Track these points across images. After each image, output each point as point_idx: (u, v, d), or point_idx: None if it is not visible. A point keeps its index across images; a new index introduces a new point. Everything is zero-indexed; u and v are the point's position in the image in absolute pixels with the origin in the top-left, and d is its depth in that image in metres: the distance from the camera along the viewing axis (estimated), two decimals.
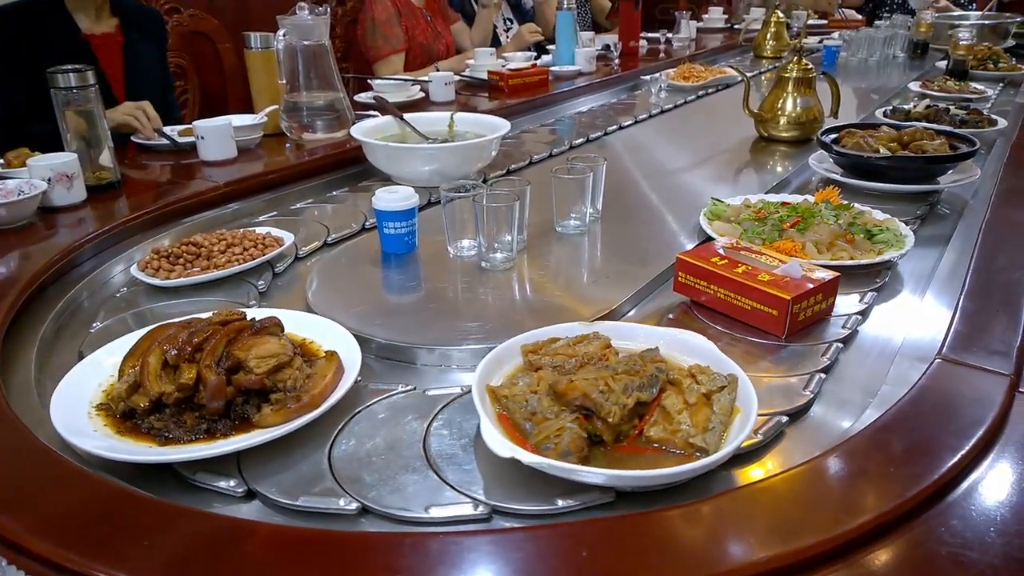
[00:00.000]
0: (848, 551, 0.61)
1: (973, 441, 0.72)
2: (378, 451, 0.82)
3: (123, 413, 0.84)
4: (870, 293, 1.17)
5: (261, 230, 1.38)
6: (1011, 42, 3.70)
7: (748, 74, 2.24)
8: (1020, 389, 0.82)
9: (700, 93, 2.86)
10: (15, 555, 0.63)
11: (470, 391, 0.89)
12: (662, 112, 2.55)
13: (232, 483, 0.76)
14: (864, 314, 1.12)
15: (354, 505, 0.73)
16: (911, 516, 0.65)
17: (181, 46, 2.82)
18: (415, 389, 0.93)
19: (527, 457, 0.73)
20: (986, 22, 3.79)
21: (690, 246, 1.34)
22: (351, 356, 0.93)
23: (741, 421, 0.80)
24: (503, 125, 1.79)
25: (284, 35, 1.90)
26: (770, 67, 3.47)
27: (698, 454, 0.77)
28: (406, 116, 1.90)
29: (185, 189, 1.59)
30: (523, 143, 2.14)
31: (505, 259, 1.26)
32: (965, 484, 0.68)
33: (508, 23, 3.96)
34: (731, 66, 2.83)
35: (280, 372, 0.86)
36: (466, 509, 0.73)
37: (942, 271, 1.26)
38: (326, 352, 0.93)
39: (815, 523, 0.63)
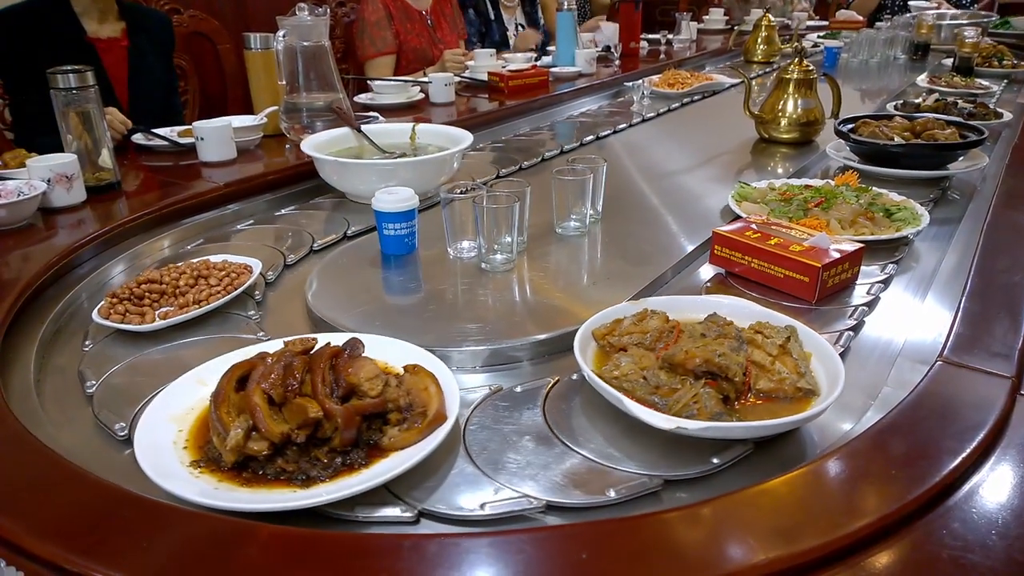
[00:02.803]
0: (849, 554, 0.61)
1: (974, 444, 0.72)
2: (517, 450, 0.82)
3: (234, 464, 0.78)
4: (891, 265, 1.27)
5: (215, 258, 1.26)
6: (988, 39, 3.81)
7: (738, 79, 2.24)
8: (1022, 392, 0.82)
9: (685, 100, 2.76)
10: (14, 556, 0.62)
11: (559, 382, 0.94)
12: (643, 121, 2.46)
13: (398, 510, 0.74)
14: (886, 283, 1.21)
15: (538, 503, 0.74)
16: (912, 519, 0.64)
17: (181, 47, 2.82)
18: (503, 388, 0.94)
19: (694, 425, 0.77)
20: (964, 21, 3.95)
21: (692, 247, 1.34)
22: (434, 367, 0.90)
23: (823, 361, 0.89)
24: (465, 137, 1.70)
25: (284, 36, 1.90)
26: (760, 72, 3.43)
27: (803, 395, 0.85)
28: (365, 128, 1.80)
29: (185, 190, 1.59)
30: (523, 144, 2.14)
31: (505, 260, 1.26)
32: (966, 487, 0.68)
33: (521, 28, 3.95)
34: (731, 67, 2.81)
35: (386, 392, 0.83)
36: (642, 484, 0.76)
37: (943, 272, 1.26)
38: (406, 367, 0.90)
39: (816, 525, 0.63)
